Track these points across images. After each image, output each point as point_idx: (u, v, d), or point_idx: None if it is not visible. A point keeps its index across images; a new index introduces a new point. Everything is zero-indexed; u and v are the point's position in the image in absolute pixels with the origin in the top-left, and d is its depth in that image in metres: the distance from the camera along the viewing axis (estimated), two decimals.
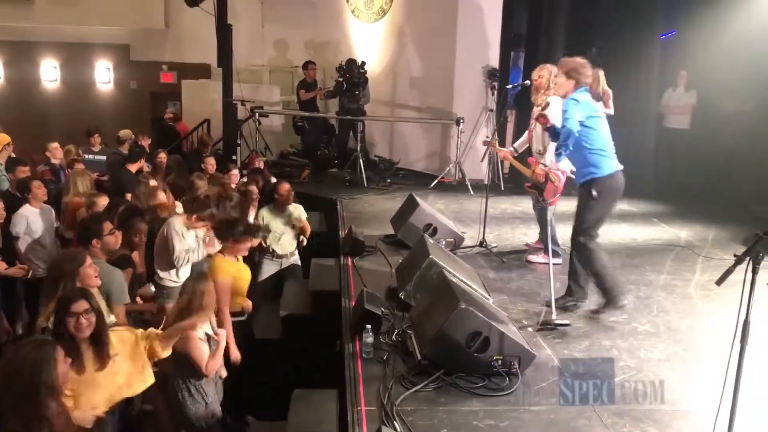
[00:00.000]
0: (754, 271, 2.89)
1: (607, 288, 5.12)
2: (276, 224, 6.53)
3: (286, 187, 6.61)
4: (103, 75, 14.72)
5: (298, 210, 6.72)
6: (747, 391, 3.08)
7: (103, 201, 6.02)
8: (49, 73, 14.55)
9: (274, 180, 7.71)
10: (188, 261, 5.35)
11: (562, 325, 4.87)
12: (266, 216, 6.53)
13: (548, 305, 4.98)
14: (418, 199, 6.80)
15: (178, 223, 5.44)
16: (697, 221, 8.16)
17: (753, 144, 8.72)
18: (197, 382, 4.13)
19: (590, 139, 5.00)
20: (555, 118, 5.76)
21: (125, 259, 5.11)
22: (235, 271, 5.04)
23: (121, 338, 3.60)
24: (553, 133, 5.38)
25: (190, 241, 5.40)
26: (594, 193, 4.95)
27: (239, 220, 5.42)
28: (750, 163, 8.79)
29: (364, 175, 9.98)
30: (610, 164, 5.07)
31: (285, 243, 6.58)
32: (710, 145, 9.37)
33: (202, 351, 4.09)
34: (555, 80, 5.13)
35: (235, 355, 4.75)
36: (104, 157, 9.28)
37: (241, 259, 5.21)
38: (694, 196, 9.14)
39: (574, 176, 5.28)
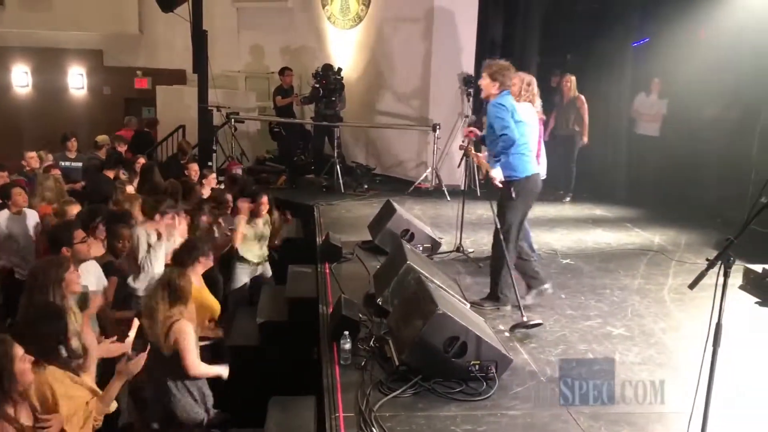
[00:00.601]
0: (726, 275, 2.94)
1: (495, 287, 5.32)
2: (252, 233, 6.46)
3: (265, 199, 6.56)
4: (76, 81, 14.54)
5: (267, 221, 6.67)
6: (720, 394, 3.13)
7: (73, 209, 5.94)
8: (21, 79, 14.33)
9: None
10: (154, 266, 5.31)
11: (535, 325, 4.93)
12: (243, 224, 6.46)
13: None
14: (396, 205, 6.81)
15: (141, 229, 5.41)
16: (669, 226, 8.29)
17: (724, 150, 8.86)
18: (187, 382, 4.09)
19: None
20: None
21: (110, 266, 5.04)
22: (197, 295, 4.96)
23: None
24: (482, 141, 5.58)
25: (155, 245, 5.38)
26: (513, 194, 5.17)
27: (195, 240, 5.33)
28: (720, 169, 8.94)
29: (341, 181, 9.98)
30: (528, 167, 5.29)
31: (260, 251, 6.52)
32: (681, 151, 9.50)
33: (192, 344, 4.05)
34: (482, 82, 5.33)
35: None
36: (81, 164, 9.17)
37: (203, 285, 5.18)
38: (667, 202, 9.27)
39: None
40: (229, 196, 6.91)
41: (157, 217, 5.44)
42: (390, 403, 3.80)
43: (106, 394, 3.47)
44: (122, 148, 9.95)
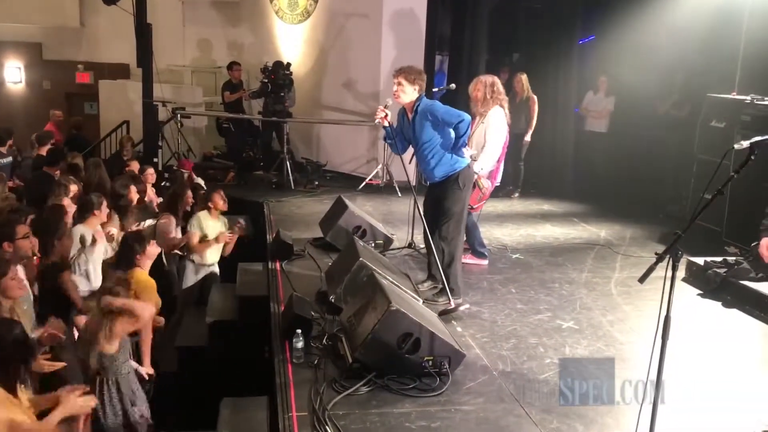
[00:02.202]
0: (674, 269, 3.00)
1: (451, 284, 5.30)
2: (212, 232, 6.34)
3: (221, 195, 6.45)
4: (13, 74, 14.03)
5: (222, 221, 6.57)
6: (669, 385, 3.20)
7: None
8: None
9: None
10: (89, 263, 5.18)
11: (465, 309, 5.15)
12: (202, 222, 6.33)
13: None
14: (347, 202, 6.76)
15: (81, 228, 5.25)
16: (615, 220, 8.45)
17: (668, 146, 9.09)
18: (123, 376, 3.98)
19: (452, 137, 5.32)
20: (494, 128, 5.98)
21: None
22: (151, 286, 4.86)
23: None
24: (387, 132, 5.69)
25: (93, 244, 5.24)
26: (461, 183, 5.29)
27: (128, 239, 5.14)
28: (664, 164, 9.17)
29: (291, 178, 9.89)
30: (465, 157, 5.44)
31: (213, 251, 6.39)
32: (627, 148, 9.71)
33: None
34: (401, 89, 5.55)
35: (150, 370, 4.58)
36: (11, 158, 8.85)
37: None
38: (613, 196, 9.46)
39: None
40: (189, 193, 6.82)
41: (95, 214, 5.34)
42: (344, 401, 3.77)
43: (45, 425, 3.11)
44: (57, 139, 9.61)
